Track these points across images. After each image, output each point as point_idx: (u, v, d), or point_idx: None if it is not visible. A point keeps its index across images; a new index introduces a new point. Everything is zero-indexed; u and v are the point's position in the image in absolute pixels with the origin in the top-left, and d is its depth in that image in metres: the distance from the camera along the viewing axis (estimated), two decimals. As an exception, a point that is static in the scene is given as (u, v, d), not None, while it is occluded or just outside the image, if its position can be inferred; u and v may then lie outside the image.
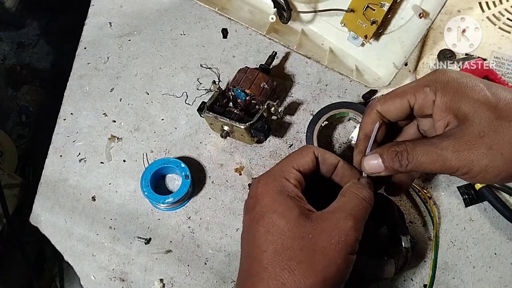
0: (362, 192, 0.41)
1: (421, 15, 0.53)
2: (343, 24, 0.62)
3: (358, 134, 0.45)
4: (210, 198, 0.59)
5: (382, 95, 0.44)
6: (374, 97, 0.63)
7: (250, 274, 0.39)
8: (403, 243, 0.48)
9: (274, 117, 0.60)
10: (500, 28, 0.61)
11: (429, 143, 0.39)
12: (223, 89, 0.61)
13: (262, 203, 0.40)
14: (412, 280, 0.55)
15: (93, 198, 0.60)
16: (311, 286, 0.36)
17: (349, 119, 0.62)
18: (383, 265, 0.46)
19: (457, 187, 0.57)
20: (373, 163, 0.42)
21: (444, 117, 0.39)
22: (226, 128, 0.57)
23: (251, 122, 0.55)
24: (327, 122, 0.60)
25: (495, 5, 0.62)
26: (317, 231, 0.38)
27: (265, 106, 0.56)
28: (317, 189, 0.45)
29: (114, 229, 0.58)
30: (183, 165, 0.57)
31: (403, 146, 0.40)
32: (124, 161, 0.62)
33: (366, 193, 0.41)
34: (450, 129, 0.39)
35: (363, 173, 0.44)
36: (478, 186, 0.55)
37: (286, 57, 0.68)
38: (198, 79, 0.66)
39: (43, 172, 0.62)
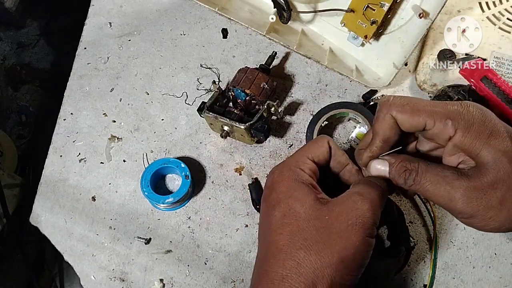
0: (378, 180, 0.42)
1: (421, 15, 0.53)
2: (343, 24, 0.62)
3: (374, 138, 0.43)
4: (210, 198, 0.59)
5: (398, 98, 0.41)
6: (375, 96, 0.63)
7: (266, 258, 0.39)
8: (403, 242, 0.48)
9: (274, 117, 0.60)
10: (500, 28, 0.61)
11: (442, 174, 0.38)
12: (223, 89, 0.61)
13: (278, 190, 0.41)
14: (412, 280, 0.55)
15: (93, 198, 0.60)
16: (327, 266, 0.36)
17: (349, 119, 0.62)
18: (383, 266, 0.46)
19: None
20: (380, 168, 0.42)
21: (458, 154, 0.39)
22: (226, 128, 0.57)
23: (251, 122, 0.55)
24: (327, 122, 0.60)
25: (495, 5, 0.62)
26: (333, 213, 0.38)
27: (265, 106, 0.56)
28: (329, 182, 0.45)
29: (114, 229, 0.58)
30: (183, 165, 0.57)
31: (415, 165, 0.39)
32: (124, 161, 0.62)
33: (382, 182, 0.41)
34: (466, 169, 0.38)
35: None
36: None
37: (286, 57, 0.68)
38: (198, 79, 0.66)
39: (43, 172, 0.62)
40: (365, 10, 0.58)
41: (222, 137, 0.58)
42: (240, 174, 0.60)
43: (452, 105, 0.38)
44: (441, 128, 0.38)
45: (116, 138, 0.63)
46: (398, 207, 0.50)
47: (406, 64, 0.62)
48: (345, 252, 0.36)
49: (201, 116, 0.59)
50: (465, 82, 0.58)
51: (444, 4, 0.51)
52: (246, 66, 0.61)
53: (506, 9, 0.61)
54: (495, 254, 0.55)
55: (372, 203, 0.39)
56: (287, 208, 0.39)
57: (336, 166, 0.45)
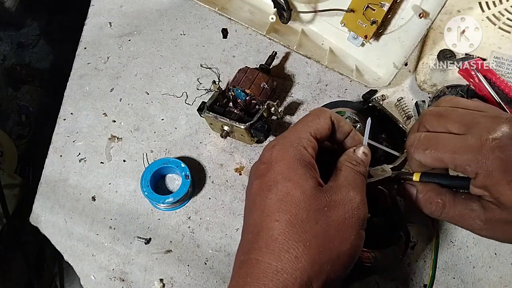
0: (361, 167, 0.40)
1: (421, 15, 0.53)
2: (343, 24, 0.62)
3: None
4: (210, 198, 0.59)
5: (420, 143, 0.41)
6: (375, 96, 0.63)
7: (256, 245, 0.35)
8: (401, 228, 0.48)
9: (274, 117, 0.60)
10: (500, 28, 0.61)
11: (469, 208, 0.39)
12: (223, 89, 0.61)
13: (277, 169, 0.37)
14: (412, 280, 0.55)
15: (93, 198, 0.60)
16: (325, 262, 0.34)
17: (346, 118, 0.62)
18: (387, 254, 0.46)
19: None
20: (408, 190, 0.43)
21: (478, 191, 0.39)
22: (226, 128, 0.57)
23: (251, 122, 0.55)
24: (326, 122, 0.60)
25: (495, 5, 0.62)
26: (331, 204, 0.36)
27: (265, 106, 0.56)
28: (323, 157, 0.43)
29: (114, 229, 0.58)
30: (183, 165, 0.57)
31: (443, 198, 0.40)
32: (124, 161, 0.62)
33: (364, 169, 0.41)
34: (490, 201, 0.38)
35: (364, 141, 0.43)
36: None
37: (286, 57, 0.68)
38: (198, 79, 0.66)
39: (43, 172, 0.62)
40: (365, 10, 0.58)
41: (222, 137, 0.58)
42: (240, 174, 0.60)
43: (469, 150, 0.37)
44: (463, 171, 0.39)
45: (116, 138, 0.63)
46: (392, 194, 0.50)
47: (406, 64, 0.62)
48: (342, 247, 0.35)
49: (201, 116, 0.59)
50: (465, 82, 0.58)
51: (444, 4, 0.51)
52: (246, 66, 0.61)
53: (506, 9, 0.61)
54: (495, 254, 0.55)
55: (363, 194, 0.38)
56: (285, 192, 0.36)
57: (340, 137, 0.44)
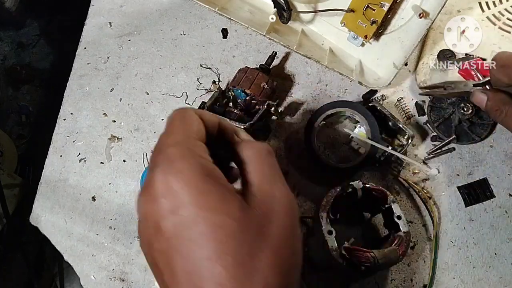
0: (257, 144, 0.32)
1: (421, 15, 0.53)
2: (343, 24, 0.62)
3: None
4: (210, 198, 0.59)
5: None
6: (375, 96, 0.63)
7: None
8: (401, 228, 0.49)
9: (274, 117, 0.60)
10: (500, 28, 0.61)
11: None
12: (223, 89, 0.61)
13: (183, 200, 0.26)
14: (412, 280, 0.55)
15: (93, 198, 0.60)
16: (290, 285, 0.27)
17: (346, 118, 0.62)
18: (385, 254, 0.46)
19: (457, 187, 0.57)
20: (480, 97, 0.47)
21: None
22: (226, 128, 0.57)
23: (251, 122, 0.55)
24: (324, 122, 0.60)
25: (495, 5, 0.62)
26: (267, 216, 0.28)
27: (265, 106, 0.56)
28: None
29: (114, 229, 0.58)
30: (183, 165, 0.57)
31: (505, 107, 0.46)
32: (124, 161, 0.62)
33: (260, 144, 0.32)
34: None
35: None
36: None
37: (286, 57, 0.68)
38: (198, 79, 0.66)
39: (43, 172, 0.62)
40: (365, 10, 0.58)
41: (222, 137, 0.58)
42: (240, 174, 0.60)
43: None
44: None
45: (116, 138, 0.63)
46: (390, 194, 0.50)
47: (406, 64, 0.62)
48: (297, 260, 0.29)
49: (201, 116, 0.59)
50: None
51: (444, 4, 0.51)
52: (246, 66, 0.61)
53: (506, 9, 0.61)
54: (495, 254, 0.55)
55: (284, 179, 0.31)
56: (211, 227, 0.26)
57: (213, 131, 0.33)
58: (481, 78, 0.53)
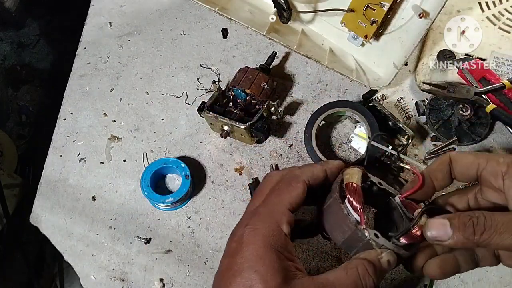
0: (369, 279, 0.36)
1: (421, 15, 0.53)
2: (343, 24, 0.62)
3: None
4: (210, 198, 0.59)
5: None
6: (375, 96, 0.63)
7: None
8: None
9: (274, 117, 0.60)
10: (500, 28, 0.61)
11: None
12: (223, 89, 0.61)
13: (245, 254, 0.35)
14: (412, 280, 0.55)
15: (93, 198, 0.60)
16: None
17: (346, 118, 0.62)
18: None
19: (457, 187, 0.57)
20: (439, 226, 0.37)
21: None
22: (226, 128, 0.57)
23: (251, 122, 0.55)
24: (324, 122, 0.60)
25: (495, 5, 0.62)
26: None
27: (265, 106, 0.56)
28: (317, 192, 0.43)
29: (114, 229, 0.58)
30: (183, 165, 0.57)
31: (479, 212, 0.36)
32: (124, 161, 0.62)
33: (374, 278, 0.36)
34: None
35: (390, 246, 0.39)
36: (489, 108, 0.55)
37: (286, 57, 0.68)
38: (198, 79, 0.66)
39: (43, 172, 0.62)
40: (365, 10, 0.58)
41: (222, 137, 0.58)
42: (240, 174, 0.60)
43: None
44: (494, 166, 0.38)
45: (116, 138, 0.63)
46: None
47: (406, 64, 0.62)
48: None
49: (201, 116, 0.59)
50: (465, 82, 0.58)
51: (444, 4, 0.51)
52: (246, 66, 0.61)
53: (506, 9, 0.61)
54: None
55: None
56: (248, 284, 0.33)
57: (321, 181, 0.43)
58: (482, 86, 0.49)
